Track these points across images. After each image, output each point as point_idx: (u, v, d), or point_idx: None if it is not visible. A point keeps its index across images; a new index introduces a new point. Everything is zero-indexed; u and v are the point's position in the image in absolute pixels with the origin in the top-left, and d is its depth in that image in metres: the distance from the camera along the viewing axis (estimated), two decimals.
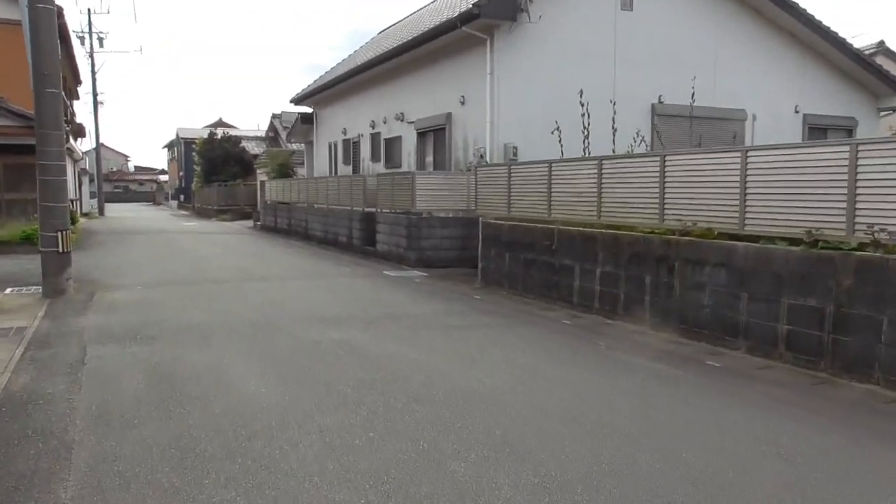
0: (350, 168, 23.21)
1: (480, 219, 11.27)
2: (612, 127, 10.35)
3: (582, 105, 10.17)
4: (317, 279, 11.60)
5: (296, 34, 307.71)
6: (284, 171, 27.63)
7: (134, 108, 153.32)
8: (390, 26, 26.15)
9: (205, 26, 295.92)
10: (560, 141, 10.38)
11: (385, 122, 20.12)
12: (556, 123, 10.57)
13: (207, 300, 9.10)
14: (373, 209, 16.38)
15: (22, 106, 18.60)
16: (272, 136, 44.50)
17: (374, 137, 21.07)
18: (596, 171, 8.60)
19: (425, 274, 12.53)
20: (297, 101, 27.17)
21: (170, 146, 65.32)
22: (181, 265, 13.44)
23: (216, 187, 36.25)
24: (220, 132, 41.76)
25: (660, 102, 15.87)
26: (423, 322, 7.72)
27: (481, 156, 14.54)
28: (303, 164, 29.84)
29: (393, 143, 19.72)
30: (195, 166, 41.87)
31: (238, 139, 39.85)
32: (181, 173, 54.34)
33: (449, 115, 16.26)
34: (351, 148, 23.22)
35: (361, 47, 26.97)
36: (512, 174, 10.38)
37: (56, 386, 5.09)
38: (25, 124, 18.92)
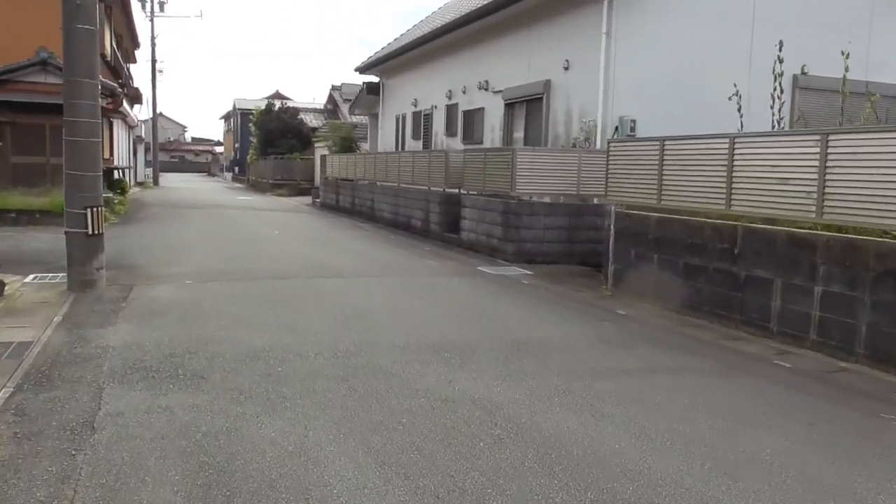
0: (420, 143, 20.95)
1: (613, 208, 8.83)
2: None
3: (780, 61, 7.58)
4: (403, 277, 9.37)
5: (350, 6, 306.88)
6: (347, 144, 25.51)
7: (192, 79, 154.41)
8: None
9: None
10: (739, 110, 7.83)
11: (464, 93, 17.74)
12: (736, 87, 8.03)
13: (272, 306, 6.94)
14: (456, 190, 14.06)
15: None
16: (331, 109, 42.60)
17: (451, 109, 18.72)
18: (817, 150, 6.06)
19: (529, 272, 10.20)
20: (363, 69, 24.98)
21: (226, 117, 64.24)
22: (238, 250, 11.40)
23: (272, 160, 34.52)
24: (277, 104, 39.99)
25: (803, 73, 13.05)
26: (579, 360, 5.37)
27: (595, 130, 12.08)
28: (365, 138, 27.70)
29: (473, 116, 17.33)
30: (251, 138, 40.28)
31: (296, 111, 38.00)
32: (236, 145, 53.08)
33: (547, 83, 13.78)
34: (422, 121, 20.93)
35: (434, 13, 24.54)
36: (666, 151, 7.89)
37: (37, 488, 2.94)
38: None
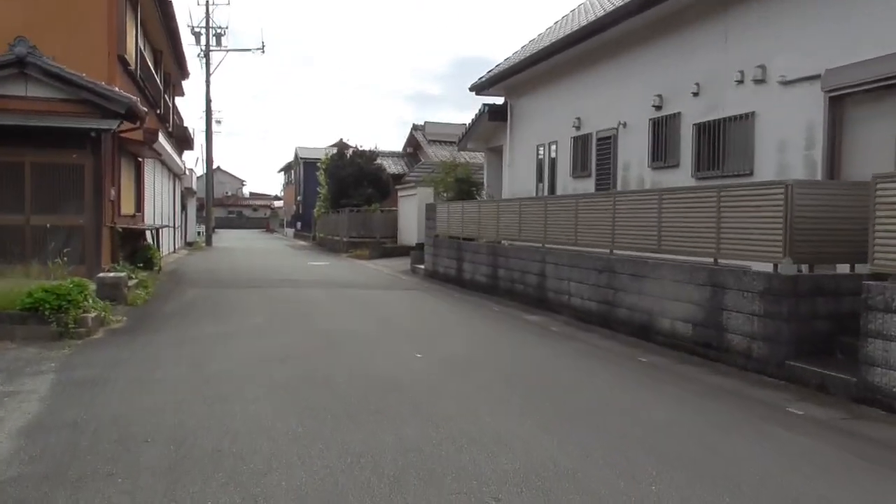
0: (588, 182, 13.81)
1: None
2: None
3: None
4: None
5: (397, 62, 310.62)
6: (466, 189, 18.45)
7: (249, 130, 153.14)
8: None
9: (308, 47, 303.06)
10: None
11: (697, 95, 10.57)
12: None
13: None
14: (802, 267, 6.67)
15: (67, 65, 10.31)
16: (411, 153, 36.29)
17: (661, 125, 11.54)
18: None
19: None
20: (482, 87, 18.24)
21: (286, 169, 58.96)
22: (371, 469, 4.14)
23: (347, 213, 27.91)
24: (349, 150, 33.67)
25: None
26: None
27: None
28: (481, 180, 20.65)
29: (723, 131, 10.05)
30: (318, 189, 33.96)
31: (374, 154, 31.52)
32: (298, 198, 47.28)
33: None
34: (593, 148, 13.78)
35: (573, 10, 17.63)
36: None
37: None
38: (70, 95, 10.58)
